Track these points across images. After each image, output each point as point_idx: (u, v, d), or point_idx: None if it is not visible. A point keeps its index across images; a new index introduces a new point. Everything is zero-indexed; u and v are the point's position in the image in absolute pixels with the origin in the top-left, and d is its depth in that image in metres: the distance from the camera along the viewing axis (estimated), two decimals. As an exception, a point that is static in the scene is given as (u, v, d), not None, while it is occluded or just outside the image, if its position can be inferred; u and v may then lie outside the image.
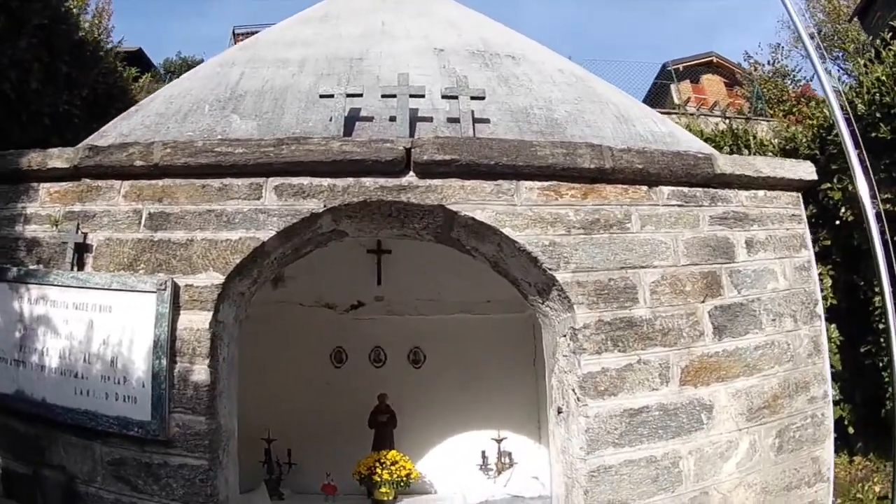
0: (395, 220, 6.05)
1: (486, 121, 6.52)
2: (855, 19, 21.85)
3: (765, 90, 24.90)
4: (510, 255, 5.91)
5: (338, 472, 9.24)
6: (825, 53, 26.60)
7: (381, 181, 5.72)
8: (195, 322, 5.44)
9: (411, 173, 5.75)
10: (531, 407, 10.25)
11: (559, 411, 5.88)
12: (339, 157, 5.62)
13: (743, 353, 5.87)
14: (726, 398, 5.70)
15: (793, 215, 6.54)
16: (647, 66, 29.00)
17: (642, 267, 5.81)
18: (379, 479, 8.91)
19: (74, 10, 11.92)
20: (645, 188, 6.06)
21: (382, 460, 9.08)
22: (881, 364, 7.86)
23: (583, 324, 5.56)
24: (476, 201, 5.71)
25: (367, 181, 5.71)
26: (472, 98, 6.42)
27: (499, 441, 10.03)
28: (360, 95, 6.39)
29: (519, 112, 6.79)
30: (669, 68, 29.48)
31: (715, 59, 31.62)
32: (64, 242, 5.66)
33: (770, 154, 10.93)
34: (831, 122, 7.86)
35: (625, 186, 6.02)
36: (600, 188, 5.96)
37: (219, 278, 5.51)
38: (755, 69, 27.81)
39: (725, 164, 6.25)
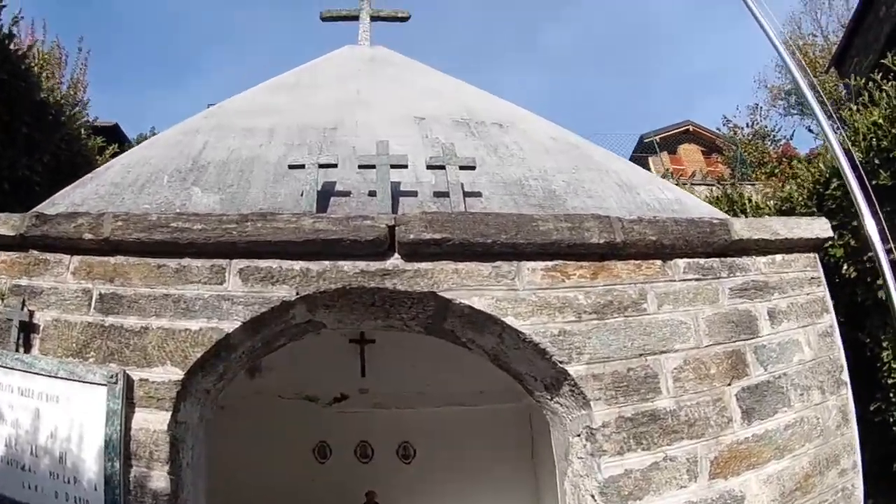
0: (379, 309, 5.42)
1: (478, 194, 5.97)
2: (832, 70, 21.99)
3: (745, 153, 24.97)
4: (513, 347, 5.30)
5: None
6: (804, 108, 27.04)
7: (362, 265, 5.08)
8: (152, 422, 4.74)
9: (396, 255, 5.12)
10: (531, 502, 9.71)
11: None
12: (312, 237, 4.99)
13: (773, 435, 5.31)
14: (758, 486, 5.12)
15: (812, 278, 6.09)
16: (624, 139, 29.08)
17: (663, 352, 5.25)
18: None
19: (35, 68, 11.45)
20: (659, 262, 5.55)
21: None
22: (892, 419, 7.40)
23: (601, 422, 4.94)
24: (472, 287, 5.09)
25: (346, 265, 5.07)
26: (462, 168, 5.85)
27: None
28: (335, 166, 5.83)
29: (513, 183, 6.25)
30: (647, 140, 29.65)
31: (692, 128, 32.16)
32: (9, 319, 4.99)
33: (767, 217, 10.48)
34: (827, 177, 7.78)
35: (637, 262, 5.50)
36: (611, 266, 5.42)
37: (177, 374, 4.83)
38: (735, 133, 27.90)
39: (742, 228, 5.78)
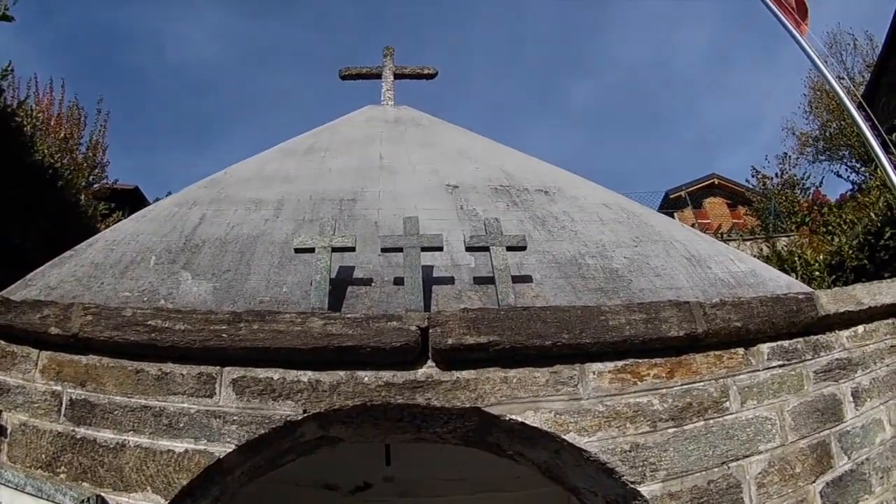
0: (408, 425, 4.48)
1: (528, 279, 5.09)
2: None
3: (778, 204, 24.41)
4: (572, 464, 4.38)
5: None
6: (832, 153, 26.76)
7: (387, 376, 4.13)
8: None
9: (430, 363, 4.18)
10: None
11: None
12: (323, 343, 4.05)
13: None
14: None
15: (891, 347, 5.34)
16: (649, 196, 29.20)
17: (746, 456, 4.35)
18: None
19: (28, 128, 10.94)
20: (741, 350, 4.68)
21: None
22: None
23: None
24: (525, 399, 4.14)
25: (366, 376, 4.13)
26: (509, 248, 4.94)
27: None
28: (352, 250, 4.97)
29: (567, 263, 5.39)
30: (673, 196, 29.62)
31: (717, 181, 32.56)
32: (-26, 420, 4.25)
33: (817, 273, 10.49)
34: (879, 226, 7.64)
35: (718, 353, 4.62)
36: (689, 361, 4.52)
37: (160, 503, 3.92)
38: (764, 183, 27.58)
39: (828, 301, 5.01)
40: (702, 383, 4.48)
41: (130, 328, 4.16)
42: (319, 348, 4.04)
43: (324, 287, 4.60)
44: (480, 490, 8.74)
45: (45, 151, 11.80)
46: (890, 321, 5.47)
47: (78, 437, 4.10)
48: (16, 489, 4.03)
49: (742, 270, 5.89)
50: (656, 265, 5.61)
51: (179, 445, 4.02)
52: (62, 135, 15.96)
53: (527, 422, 4.09)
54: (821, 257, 11.28)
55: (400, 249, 4.86)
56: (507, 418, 4.09)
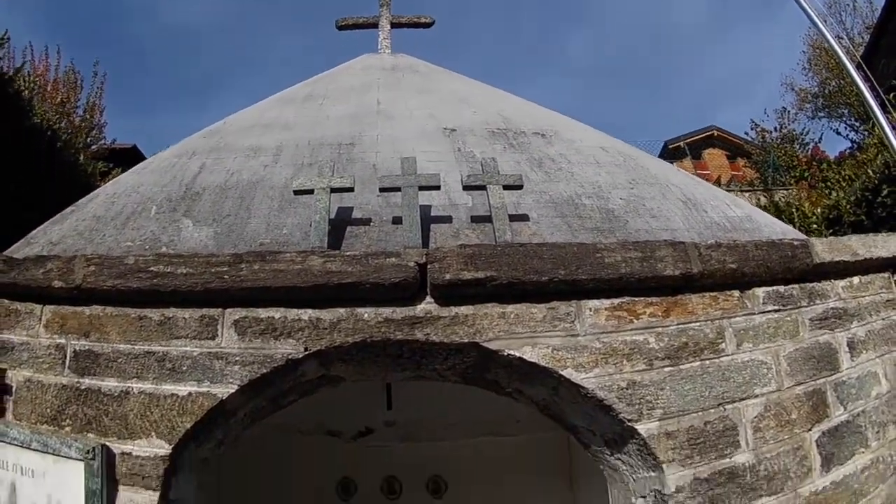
0: (408, 361, 4.51)
1: (525, 217, 5.10)
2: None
3: (777, 157, 24.33)
4: (570, 401, 4.41)
5: None
6: (831, 111, 26.72)
7: (386, 312, 4.15)
8: (138, 503, 3.90)
9: (429, 299, 4.19)
10: None
11: None
12: (323, 281, 4.05)
13: (850, 480, 4.59)
14: None
15: (887, 301, 5.45)
16: (648, 145, 29.06)
17: (742, 399, 4.40)
18: None
19: (25, 92, 10.96)
20: (737, 293, 4.69)
21: None
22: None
23: (675, 487, 4.07)
24: (523, 334, 4.16)
25: (366, 312, 4.14)
26: (506, 188, 4.95)
27: None
28: (351, 190, 4.97)
29: (564, 203, 5.39)
30: (672, 146, 29.53)
31: (716, 133, 32.34)
32: (-21, 381, 4.24)
33: (815, 226, 10.69)
34: (876, 183, 7.65)
35: (714, 295, 4.62)
36: (684, 301, 4.52)
37: (164, 448, 3.95)
38: (763, 137, 27.46)
39: (823, 249, 5.02)
40: (697, 324, 4.50)
41: (133, 275, 4.17)
42: (319, 285, 4.05)
43: (323, 227, 4.61)
44: (481, 434, 8.81)
45: (43, 115, 11.84)
46: (885, 275, 5.54)
47: (83, 388, 4.13)
48: (21, 447, 4.08)
49: (738, 216, 5.92)
50: (652, 207, 5.62)
51: (183, 389, 4.05)
52: (59, 99, 15.98)
53: (525, 357, 4.12)
54: (818, 210, 11.38)
55: (398, 189, 4.86)
56: (506, 353, 4.12)
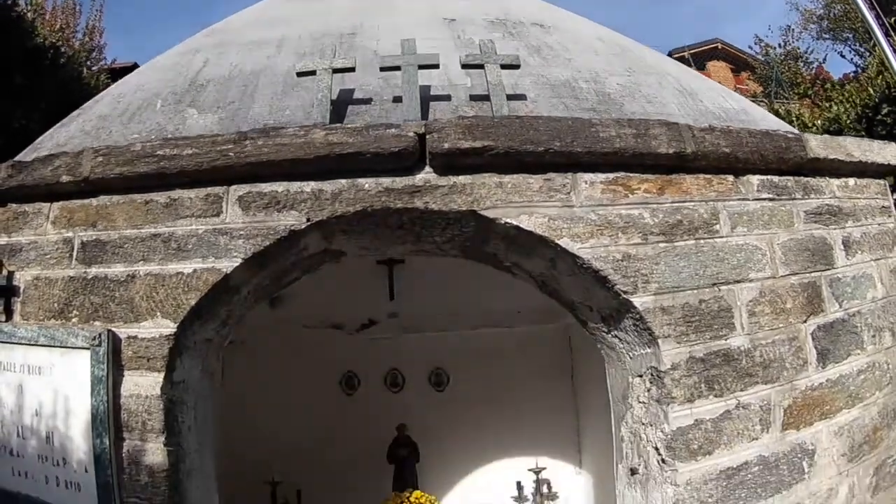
0: (408, 232, 4.61)
1: (522, 97, 5.14)
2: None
3: (780, 72, 24.00)
4: (566, 273, 4.51)
5: (355, 516, 8.18)
6: (836, 34, 26.39)
7: (386, 181, 4.22)
8: (143, 387, 4.02)
9: (427, 168, 4.26)
10: (570, 429, 9.34)
11: (633, 472, 4.56)
12: (325, 152, 4.12)
13: (846, 380, 4.79)
14: (828, 438, 4.61)
15: (882, 207, 5.56)
16: None
17: (737, 282, 4.50)
18: (403, 526, 7.78)
19: (29, 14, 10.94)
20: (731, 178, 4.76)
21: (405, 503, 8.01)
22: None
23: (671, 364, 4.20)
24: (520, 203, 4.25)
25: (367, 182, 4.22)
26: (503, 67, 4.99)
27: (537, 472, 8.88)
28: (352, 70, 5.01)
29: (561, 85, 5.42)
30: (676, 55, 29.34)
31: (720, 46, 31.95)
32: (-14, 285, 4.33)
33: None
34: (877, 101, 7.72)
35: (708, 177, 4.69)
36: (679, 180, 4.60)
37: (169, 327, 4.06)
38: (767, 52, 27.14)
39: (817, 145, 5.06)
40: (692, 203, 4.57)
41: (140, 161, 4.24)
42: (322, 157, 4.12)
43: (325, 105, 4.67)
44: (480, 325, 8.99)
45: (45, 37, 11.82)
46: (881, 182, 5.62)
47: (89, 277, 4.24)
48: (29, 344, 4.19)
49: (734, 108, 5.95)
50: (648, 93, 5.65)
51: (188, 266, 4.16)
52: (58, 26, 15.88)
53: (521, 225, 4.20)
54: (819, 122, 11.35)
55: (398, 68, 4.90)
56: (503, 222, 4.21)
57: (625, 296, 4.26)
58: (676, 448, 4.13)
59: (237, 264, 4.13)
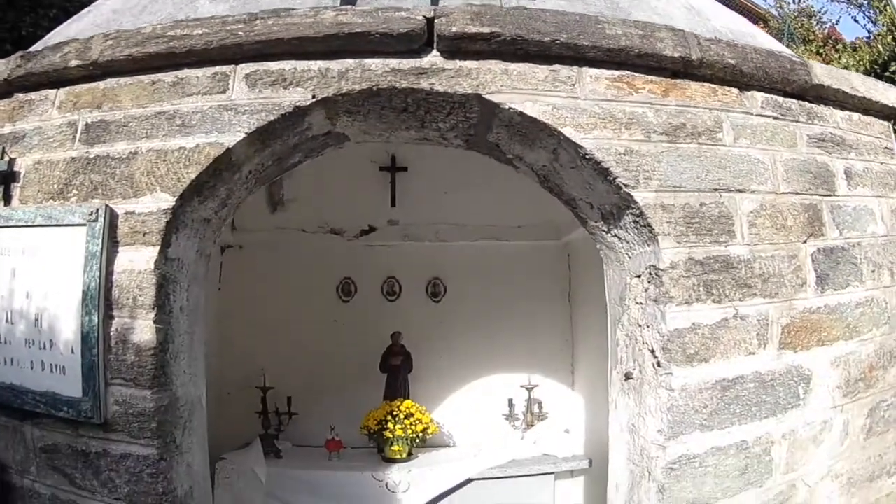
0: (412, 116, 4.61)
1: None
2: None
3: (793, 28, 23.80)
4: (569, 165, 4.53)
5: (345, 424, 8.35)
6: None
7: (393, 62, 4.23)
8: (137, 262, 4.06)
9: (435, 52, 4.26)
10: (564, 348, 9.35)
11: (627, 377, 4.58)
12: (334, 31, 4.13)
13: (844, 310, 4.78)
14: (825, 367, 4.61)
15: (885, 147, 5.53)
16: None
17: (738, 191, 4.52)
18: (391, 436, 7.97)
19: None
20: (736, 91, 4.75)
21: (395, 412, 8.16)
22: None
23: (670, 262, 4.22)
24: (525, 90, 4.25)
25: (374, 63, 4.23)
26: None
27: (529, 389, 9.02)
28: None
29: None
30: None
31: None
32: (-15, 172, 4.35)
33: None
34: (885, 59, 7.08)
35: (713, 87, 4.68)
36: (684, 85, 4.59)
37: (168, 200, 4.11)
38: (781, 6, 26.94)
39: (823, 74, 5.04)
40: (696, 108, 4.57)
41: (150, 41, 4.25)
42: (331, 35, 4.12)
43: (336, -12, 4.66)
44: (480, 237, 9.07)
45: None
46: (885, 123, 5.62)
47: (91, 156, 4.27)
48: (25, 225, 4.21)
49: (742, 31, 5.89)
50: (655, 5, 5.59)
51: (191, 141, 4.18)
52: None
53: (525, 111, 4.22)
54: (828, 72, 11.37)
55: (409, -45, 4.87)
56: (507, 107, 4.22)
57: (626, 189, 4.28)
58: (672, 350, 4.16)
59: (240, 139, 4.16)
